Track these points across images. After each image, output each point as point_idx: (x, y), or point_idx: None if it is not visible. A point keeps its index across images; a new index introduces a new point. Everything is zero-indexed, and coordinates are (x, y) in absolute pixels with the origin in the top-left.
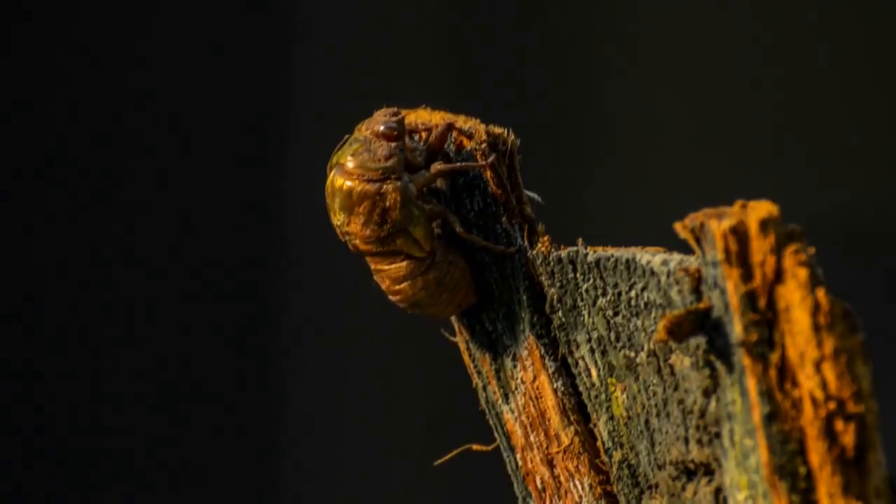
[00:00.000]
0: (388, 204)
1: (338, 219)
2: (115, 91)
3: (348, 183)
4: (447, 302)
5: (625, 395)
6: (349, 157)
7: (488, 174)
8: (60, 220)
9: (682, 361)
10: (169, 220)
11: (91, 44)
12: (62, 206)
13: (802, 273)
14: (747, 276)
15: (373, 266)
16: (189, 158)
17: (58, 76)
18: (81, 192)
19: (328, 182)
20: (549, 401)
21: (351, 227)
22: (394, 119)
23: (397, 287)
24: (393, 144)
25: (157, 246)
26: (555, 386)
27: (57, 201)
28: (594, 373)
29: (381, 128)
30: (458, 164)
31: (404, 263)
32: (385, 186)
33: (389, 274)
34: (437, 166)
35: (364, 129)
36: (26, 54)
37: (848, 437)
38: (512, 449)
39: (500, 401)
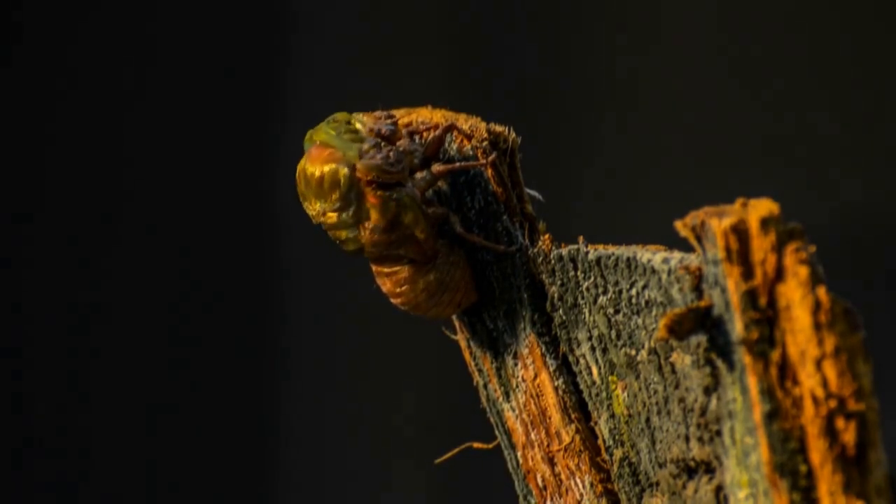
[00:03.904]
0: (396, 209)
1: (313, 208)
2: (113, 91)
3: (318, 172)
4: (448, 302)
5: (626, 393)
6: (360, 163)
7: (489, 172)
8: (59, 219)
9: (682, 359)
10: (167, 220)
11: (89, 43)
12: (60, 206)
13: (803, 271)
14: (748, 274)
15: (375, 269)
16: (187, 157)
17: (55, 75)
18: (79, 191)
19: (299, 168)
20: (550, 399)
21: (327, 217)
22: (391, 121)
23: (399, 290)
24: (400, 149)
25: (157, 245)
26: (556, 384)
27: (54, 200)
28: (595, 371)
29: (384, 130)
30: (458, 164)
31: (407, 266)
32: (395, 193)
33: (392, 277)
34: (437, 168)
35: (364, 129)
36: (24, 52)
37: (849, 435)
38: (513, 447)
39: (500, 399)
